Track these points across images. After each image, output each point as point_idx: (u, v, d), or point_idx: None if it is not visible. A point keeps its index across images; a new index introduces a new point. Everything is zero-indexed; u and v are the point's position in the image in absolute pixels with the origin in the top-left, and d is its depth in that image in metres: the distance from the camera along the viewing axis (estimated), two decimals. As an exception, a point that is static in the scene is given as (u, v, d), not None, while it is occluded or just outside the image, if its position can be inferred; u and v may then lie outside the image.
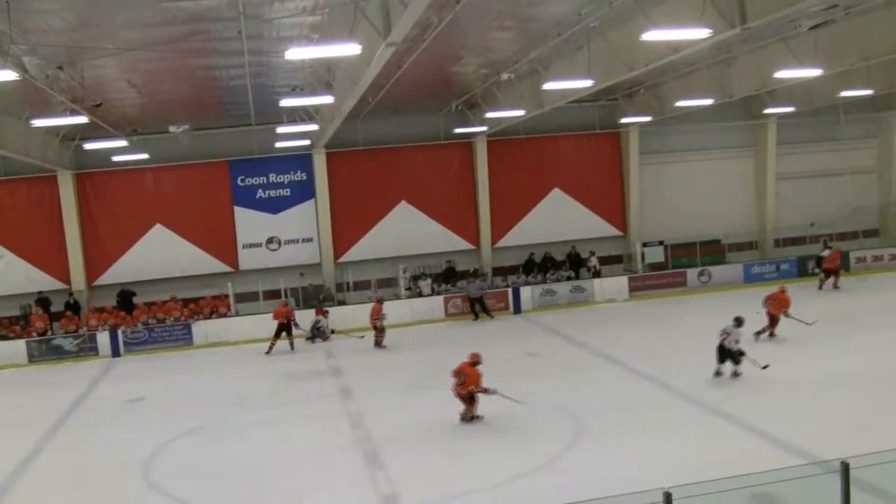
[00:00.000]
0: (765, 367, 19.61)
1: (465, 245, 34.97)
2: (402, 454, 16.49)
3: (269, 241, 33.90)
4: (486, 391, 17.79)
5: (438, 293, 32.89)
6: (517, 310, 32.68)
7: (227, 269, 33.41)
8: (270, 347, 27.97)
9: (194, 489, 15.28)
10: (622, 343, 25.66)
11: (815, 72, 23.45)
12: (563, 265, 34.75)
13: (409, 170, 34.38)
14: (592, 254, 35.00)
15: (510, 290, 33.06)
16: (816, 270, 33.57)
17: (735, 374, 20.18)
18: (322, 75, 22.11)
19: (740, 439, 16.03)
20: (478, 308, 31.88)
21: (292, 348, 28.24)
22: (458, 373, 18.04)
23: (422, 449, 16.87)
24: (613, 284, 34.07)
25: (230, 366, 27.26)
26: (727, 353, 20.10)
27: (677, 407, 18.66)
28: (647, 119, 32.93)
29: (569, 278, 34.19)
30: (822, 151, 38.40)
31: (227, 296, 32.02)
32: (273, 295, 32.09)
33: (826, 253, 33.30)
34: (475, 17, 18.43)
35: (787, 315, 23.99)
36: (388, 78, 22.62)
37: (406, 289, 32.95)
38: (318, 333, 29.72)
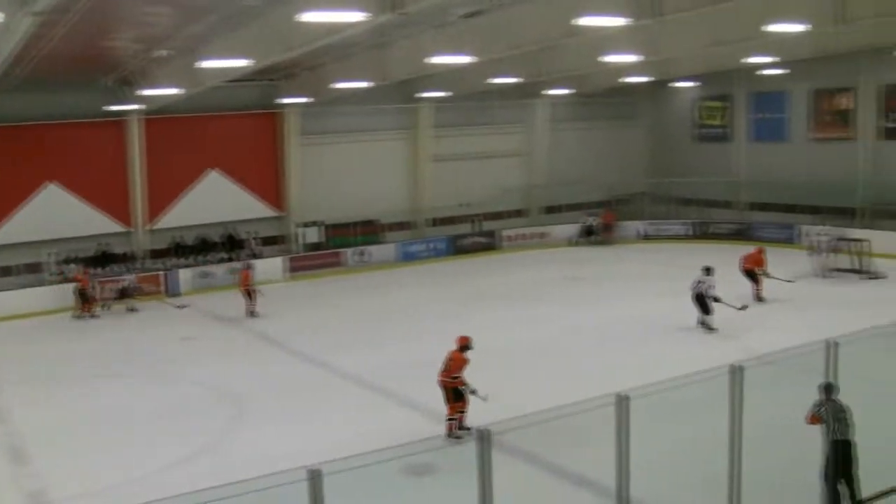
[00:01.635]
0: (742, 308, 21.09)
1: (118, 227, 33.37)
2: (51, 448, 15.61)
3: None
4: (463, 384, 14.85)
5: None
6: (174, 293, 31.72)
7: None
8: None
9: None
10: (280, 323, 25.68)
11: (466, 59, 24.44)
12: (219, 247, 34.09)
13: (57, 149, 32.06)
14: (254, 235, 34.59)
15: (164, 274, 31.99)
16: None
17: (703, 325, 22.00)
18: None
19: (399, 413, 16.54)
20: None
21: None
22: (446, 360, 15.19)
23: (71, 442, 16.03)
24: (272, 265, 33.90)
25: None
26: (702, 302, 21.85)
27: (337, 385, 18.98)
28: (307, 100, 32.93)
29: (223, 260, 33.60)
30: (473, 135, 40.20)
31: None
32: None
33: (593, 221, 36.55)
34: (128, -11, 17.62)
35: (765, 274, 25.78)
36: (35, 50, 21.15)
37: (53, 274, 30.95)
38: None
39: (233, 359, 21.90)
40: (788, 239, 35.24)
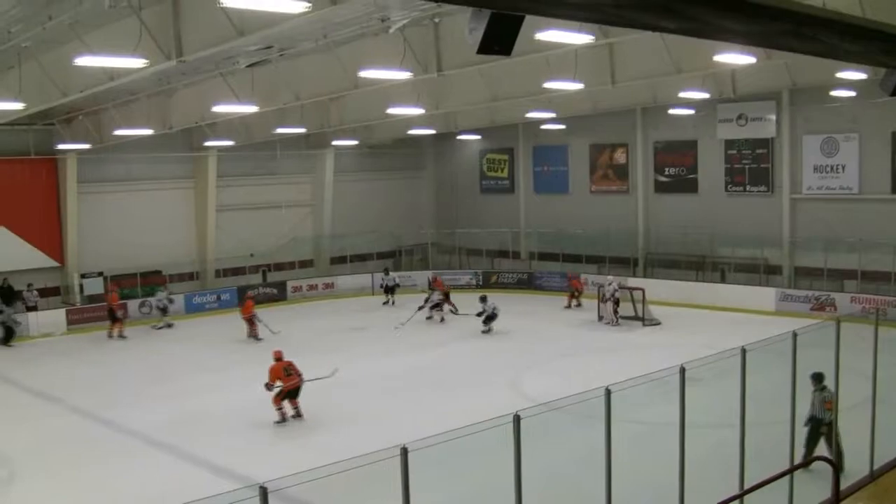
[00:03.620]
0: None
1: None
2: None
3: None
4: (268, 387, 18.99)
5: None
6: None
7: None
8: None
9: None
10: (59, 378, 24.64)
11: (251, 108, 24.49)
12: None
13: None
14: (31, 286, 33.05)
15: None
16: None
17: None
18: None
19: (178, 468, 16.20)
20: None
21: None
22: (289, 367, 19.27)
23: None
24: (51, 317, 32.45)
25: None
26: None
27: (115, 440, 18.40)
28: (87, 146, 31.83)
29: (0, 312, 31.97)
30: (261, 185, 40.08)
31: None
32: None
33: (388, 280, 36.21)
34: None
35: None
36: None
37: None
38: None
39: (4, 415, 20.81)
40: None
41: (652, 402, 14.35)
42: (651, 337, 27.81)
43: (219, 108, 24.69)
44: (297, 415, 19.19)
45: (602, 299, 30.60)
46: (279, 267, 39.84)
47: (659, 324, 29.48)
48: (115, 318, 30.85)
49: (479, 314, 28.88)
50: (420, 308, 30.88)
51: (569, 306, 33.65)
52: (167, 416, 19.81)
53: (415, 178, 45.92)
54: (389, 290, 35.98)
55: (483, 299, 29.15)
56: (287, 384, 18.97)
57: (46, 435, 18.71)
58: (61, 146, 32.63)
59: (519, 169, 43.25)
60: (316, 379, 19.27)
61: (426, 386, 22.13)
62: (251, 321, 29.30)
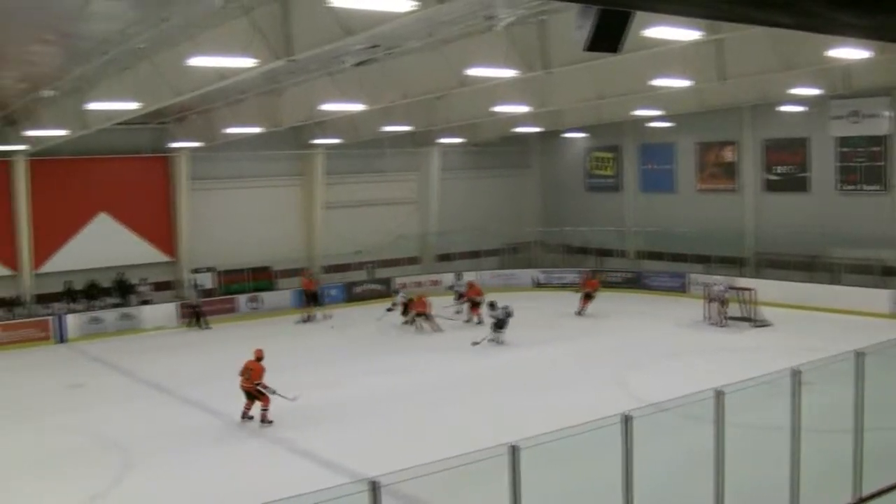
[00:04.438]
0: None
1: (3, 271, 32.43)
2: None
3: None
4: (265, 388, 18.87)
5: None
6: (62, 339, 30.95)
7: None
8: None
9: None
10: (170, 370, 25.27)
11: (358, 106, 24.71)
12: (110, 292, 33.45)
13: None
14: (144, 281, 34.06)
15: (52, 319, 31.19)
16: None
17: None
18: None
19: (291, 463, 16.46)
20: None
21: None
22: (245, 370, 19.15)
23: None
24: (163, 311, 33.39)
25: None
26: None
27: (228, 433, 18.75)
28: (198, 144, 32.70)
29: (116, 305, 33.00)
30: (367, 182, 40.41)
31: None
32: None
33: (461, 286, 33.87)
34: (12, 28, 17.37)
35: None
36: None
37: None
38: None
39: (121, 406, 21.45)
40: (679, 288, 36.24)
41: (761, 405, 14.02)
42: (760, 338, 27.18)
43: (326, 107, 24.98)
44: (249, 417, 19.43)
45: (709, 300, 30.08)
46: (385, 264, 40.13)
47: (769, 325, 28.82)
48: (316, 300, 33.65)
49: (496, 323, 27.12)
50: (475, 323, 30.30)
51: (580, 313, 32.18)
52: (276, 408, 20.10)
53: (520, 177, 45.74)
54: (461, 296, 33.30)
55: (492, 305, 27.79)
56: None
57: (159, 425, 19.21)
58: (173, 144, 33.55)
59: (625, 167, 42.71)
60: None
61: (531, 384, 22.02)
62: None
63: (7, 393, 23.70)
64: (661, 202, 40.71)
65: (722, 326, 29.10)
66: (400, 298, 31.74)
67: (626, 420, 10.41)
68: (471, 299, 31.15)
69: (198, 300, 33.65)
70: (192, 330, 32.59)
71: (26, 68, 21.69)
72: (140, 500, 14.76)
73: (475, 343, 26.77)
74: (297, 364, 24.49)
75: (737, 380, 11.69)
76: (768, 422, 14.00)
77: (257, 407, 19.10)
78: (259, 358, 19.39)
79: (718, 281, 30.56)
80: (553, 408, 18.64)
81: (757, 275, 34.99)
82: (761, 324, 28.96)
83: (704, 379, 14.27)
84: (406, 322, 30.79)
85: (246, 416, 19.23)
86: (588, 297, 32.30)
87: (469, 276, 35.86)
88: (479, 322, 29.86)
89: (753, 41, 21.20)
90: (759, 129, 36.75)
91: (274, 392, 18.90)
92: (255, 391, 18.98)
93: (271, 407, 19.03)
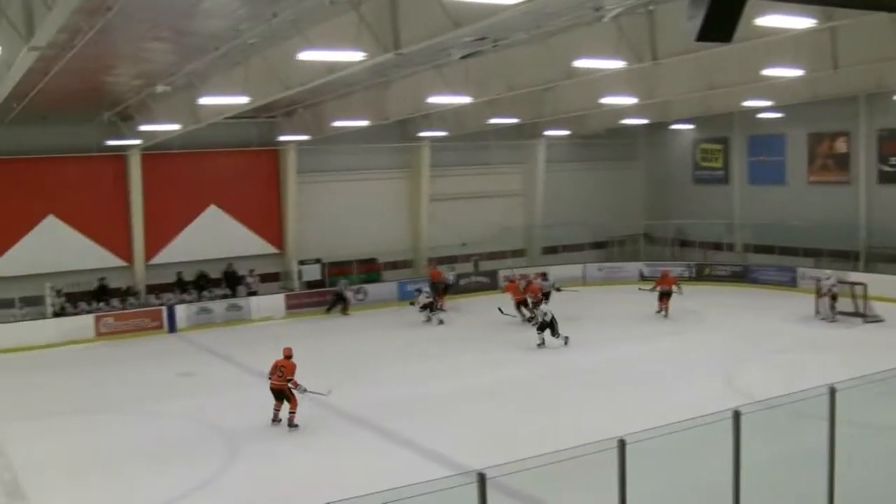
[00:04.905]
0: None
1: (117, 262, 33.43)
2: (47, 485, 15.55)
3: None
4: (297, 386, 18.40)
5: (90, 312, 31.10)
6: (172, 328, 31.72)
7: None
8: None
9: None
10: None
11: (464, 99, 24.68)
12: (219, 283, 34.12)
13: (57, 183, 32.20)
14: (252, 272, 34.65)
15: (164, 309, 31.98)
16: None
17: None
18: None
19: (396, 453, 16.51)
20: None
21: None
22: (276, 367, 18.69)
23: (69, 478, 15.97)
24: (270, 302, 33.90)
25: None
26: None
27: (332, 423, 18.89)
28: (306, 137, 33.09)
29: (225, 296, 33.66)
30: (473, 175, 40.41)
31: None
32: None
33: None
34: (128, 26, 17.73)
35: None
36: (34, 84, 21.32)
37: (59, 308, 30.86)
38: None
39: (229, 395, 21.83)
40: (788, 282, 35.34)
41: (873, 404, 13.57)
42: (872, 334, 26.32)
43: (433, 100, 25.02)
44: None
45: (819, 294, 29.25)
46: (491, 256, 40.07)
47: (882, 321, 27.88)
48: (446, 290, 33.89)
49: (533, 322, 27.00)
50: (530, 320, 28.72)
51: (665, 315, 30.31)
52: (382, 399, 20.23)
53: (626, 169, 45.15)
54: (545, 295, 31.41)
55: (544, 276, 28.58)
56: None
57: (267, 413, 19.43)
58: (282, 137, 34.01)
59: (733, 159, 41.80)
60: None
61: (637, 379, 21.69)
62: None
63: (121, 381, 24.36)
64: (770, 195, 39.72)
65: (832, 322, 28.26)
66: (423, 299, 31.34)
67: (736, 416, 10.20)
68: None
69: (344, 289, 34.29)
70: (333, 316, 33.59)
71: (141, 65, 22.23)
72: (249, 487, 14.95)
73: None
74: (407, 355, 24.70)
75: (846, 377, 11.33)
76: (881, 421, 13.56)
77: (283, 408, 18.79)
78: (288, 356, 18.85)
79: (829, 275, 29.70)
80: (658, 403, 18.35)
81: (870, 269, 33.89)
82: (873, 319, 28.03)
83: (813, 375, 13.89)
84: (426, 321, 30.90)
85: (276, 419, 18.72)
86: (665, 296, 30.53)
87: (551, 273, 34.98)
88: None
89: (869, 27, 20.48)
90: (873, 119, 35.55)
91: (305, 390, 18.48)
92: (286, 390, 18.42)
93: (298, 410, 18.51)
